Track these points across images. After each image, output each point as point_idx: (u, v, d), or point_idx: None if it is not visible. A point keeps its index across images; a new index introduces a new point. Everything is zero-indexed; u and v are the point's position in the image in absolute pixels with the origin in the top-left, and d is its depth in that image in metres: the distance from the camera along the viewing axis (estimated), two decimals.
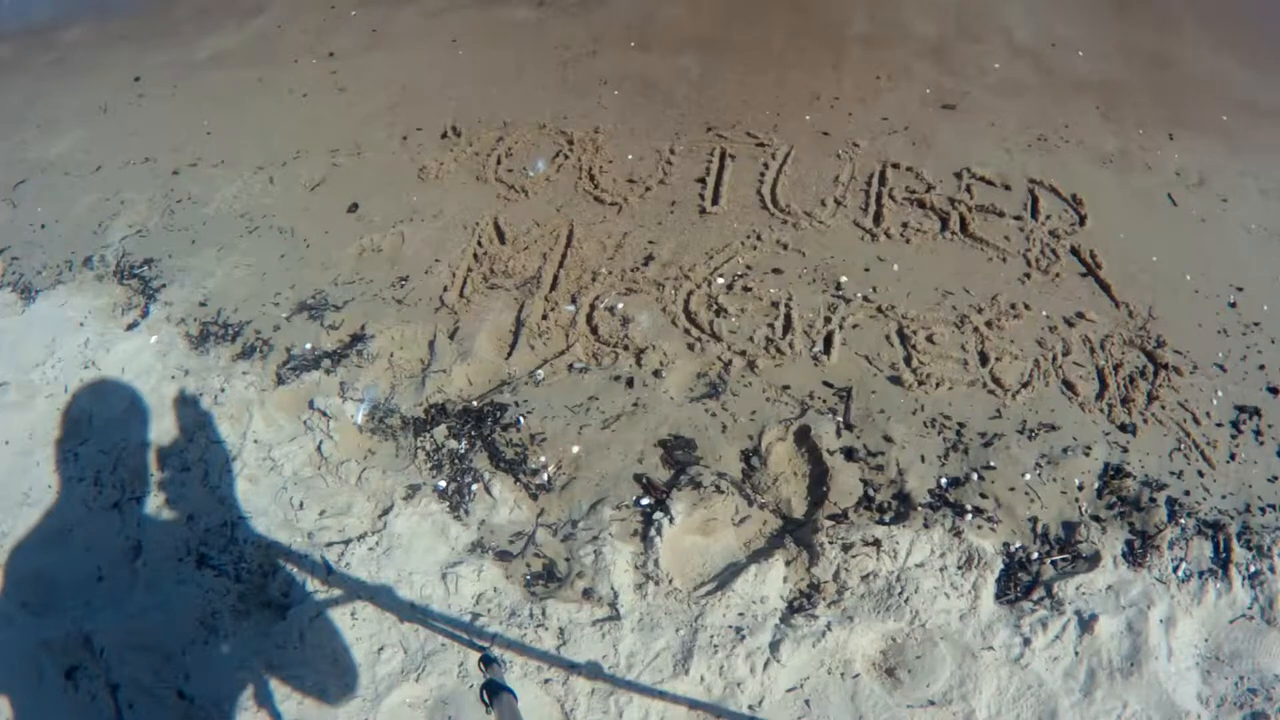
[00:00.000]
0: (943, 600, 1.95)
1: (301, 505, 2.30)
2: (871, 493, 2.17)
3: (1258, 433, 2.26)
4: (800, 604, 1.99)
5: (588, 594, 2.03)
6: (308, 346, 2.72)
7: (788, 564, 2.05)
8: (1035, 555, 2.04)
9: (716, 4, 4.29)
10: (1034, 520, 2.10)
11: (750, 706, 1.85)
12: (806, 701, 1.86)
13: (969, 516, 2.09)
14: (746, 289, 2.71)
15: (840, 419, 2.32)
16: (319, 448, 2.42)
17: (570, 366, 2.55)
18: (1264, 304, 2.58)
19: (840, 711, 1.84)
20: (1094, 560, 2.00)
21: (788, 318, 2.60)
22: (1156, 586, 1.95)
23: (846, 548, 2.04)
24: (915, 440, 2.27)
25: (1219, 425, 2.28)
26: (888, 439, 2.27)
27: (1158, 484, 2.14)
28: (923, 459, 2.23)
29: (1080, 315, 2.56)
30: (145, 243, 3.28)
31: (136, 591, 2.18)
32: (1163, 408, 2.31)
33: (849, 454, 2.25)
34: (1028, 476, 2.17)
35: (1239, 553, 2.00)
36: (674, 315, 2.65)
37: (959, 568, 2.00)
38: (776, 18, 4.10)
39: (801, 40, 3.91)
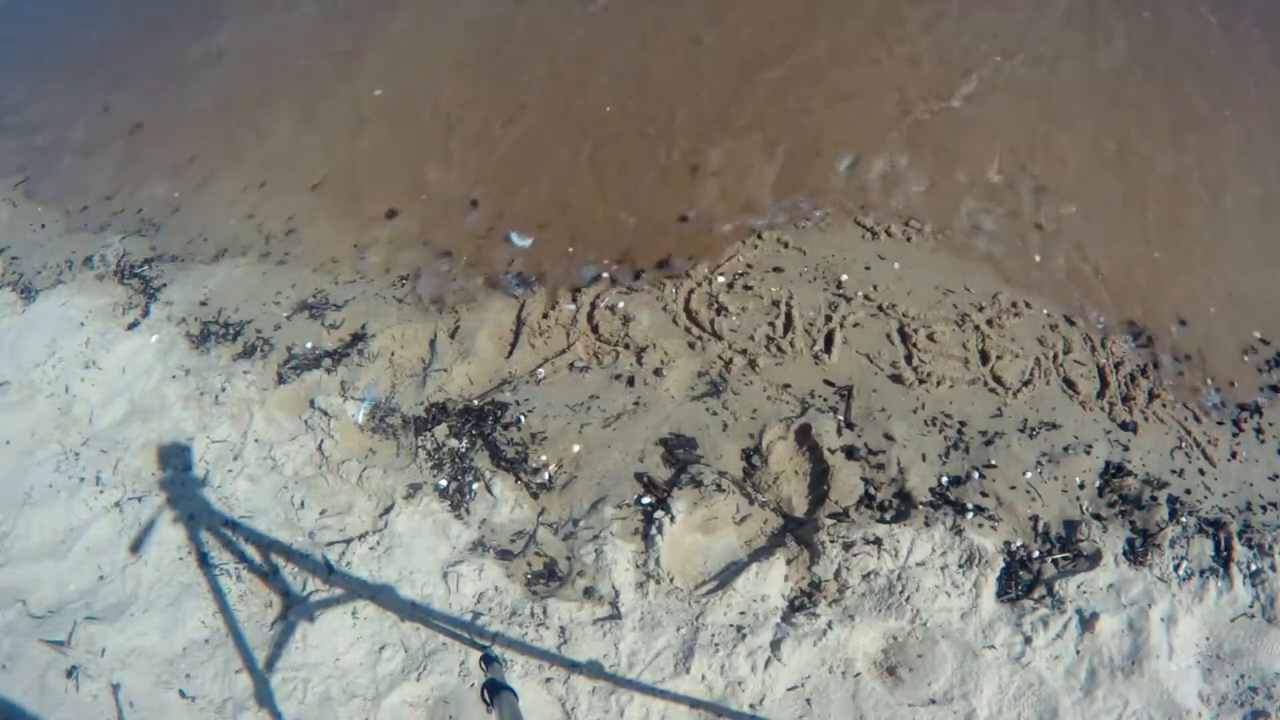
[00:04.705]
0: (944, 599, 1.95)
1: (302, 504, 2.30)
2: (872, 491, 2.17)
3: (1259, 431, 2.25)
4: (801, 602, 1.99)
5: (589, 593, 2.03)
6: (308, 345, 2.72)
7: (789, 562, 2.05)
8: (1036, 554, 2.04)
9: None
10: (1035, 519, 2.09)
11: (751, 705, 1.85)
12: (808, 700, 1.86)
13: (970, 515, 2.09)
14: (747, 287, 2.70)
15: (841, 417, 2.32)
16: (320, 447, 2.42)
17: (571, 365, 2.54)
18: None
19: (841, 710, 1.84)
20: (1095, 559, 2.00)
21: (788, 316, 2.60)
22: (1158, 585, 1.95)
23: (847, 546, 2.04)
24: (916, 438, 2.27)
25: (1220, 423, 2.27)
26: (888, 437, 2.27)
27: (1159, 482, 2.14)
28: (924, 457, 2.22)
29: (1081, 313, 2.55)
30: (146, 242, 3.27)
31: (137, 591, 2.18)
32: (1164, 406, 2.31)
33: (850, 452, 2.24)
34: (1029, 475, 2.17)
35: (1240, 551, 2.00)
36: (675, 314, 2.65)
37: (960, 566, 2.00)
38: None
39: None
